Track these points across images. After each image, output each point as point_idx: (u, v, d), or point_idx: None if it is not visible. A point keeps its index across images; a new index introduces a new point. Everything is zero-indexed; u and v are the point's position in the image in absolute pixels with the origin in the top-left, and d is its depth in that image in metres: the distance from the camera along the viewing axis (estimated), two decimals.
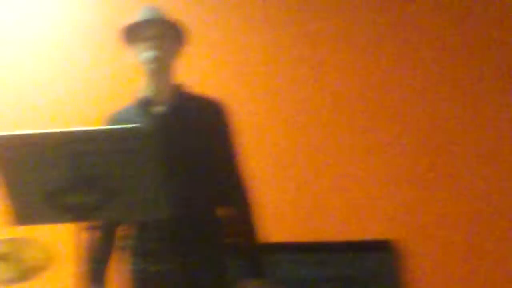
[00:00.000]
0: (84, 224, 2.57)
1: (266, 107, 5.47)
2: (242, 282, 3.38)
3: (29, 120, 5.49)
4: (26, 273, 4.14)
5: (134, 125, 2.60)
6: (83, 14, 5.78)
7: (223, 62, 5.53)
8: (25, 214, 2.63)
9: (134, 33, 3.51)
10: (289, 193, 5.30)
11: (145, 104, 3.51)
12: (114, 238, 3.57)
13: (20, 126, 5.12)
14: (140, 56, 3.47)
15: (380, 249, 5.04)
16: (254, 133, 5.20)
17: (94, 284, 3.44)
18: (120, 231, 3.58)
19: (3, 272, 4.04)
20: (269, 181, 5.24)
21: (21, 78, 5.69)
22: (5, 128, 2.78)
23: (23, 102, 5.62)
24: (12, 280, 4.08)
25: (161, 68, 3.44)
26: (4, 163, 2.50)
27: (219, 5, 5.64)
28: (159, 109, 3.45)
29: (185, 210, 3.29)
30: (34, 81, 5.67)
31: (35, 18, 5.79)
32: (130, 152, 2.48)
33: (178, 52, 3.60)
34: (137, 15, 3.54)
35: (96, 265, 3.48)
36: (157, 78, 3.44)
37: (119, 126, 2.64)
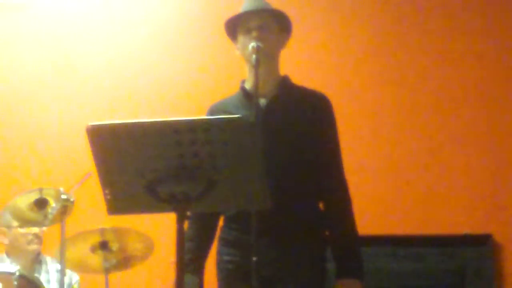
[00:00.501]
0: (184, 214, 2.55)
1: (365, 105, 5.44)
2: (338, 282, 3.33)
3: (138, 111, 5.56)
4: (126, 262, 4.20)
5: (237, 115, 2.57)
6: (189, 7, 5.81)
7: (323, 57, 5.52)
8: (124, 203, 2.63)
9: (238, 24, 3.49)
10: (387, 186, 5.25)
11: (248, 96, 3.49)
12: (213, 229, 3.57)
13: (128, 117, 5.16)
14: (245, 48, 3.44)
15: (479, 243, 4.97)
16: (350, 127, 5.14)
17: (191, 275, 3.44)
18: (218, 222, 3.57)
19: (104, 261, 4.10)
20: (367, 175, 5.22)
21: (134, 72, 5.77)
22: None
23: (135, 94, 5.69)
24: (112, 269, 4.13)
25: (265, 59, 3.39)
26: (105, 153, 2.51)
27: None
28: (262, 100, 3.42)
29: (285, 202, 3.25)
30: (143, 74, 5.74)
31: (144, 13, 5.86)
32: (232, 143, 2.45)
33: (282, 44, 3.55)
34: (242, 6, 3.51)
35: (194, 256, 3.49)
36: (261, 70, 3.39)
37: (223, 116, 2.64)
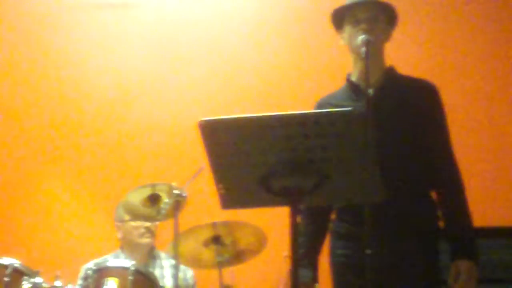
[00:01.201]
0: (297, 208, 2.54)
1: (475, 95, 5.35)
2: (454, 263, 3.29)
3: (248, 106, 5.58)
4: (239, 256, 4.22)
5: (347, 108, 2.56)
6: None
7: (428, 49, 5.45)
8: (237, 198, 2.64)
9: (346, 15, 3.46)
10: (500, 177, 5.16)
11: (355, 88, 3.47)
12: (325, 222, 3.57)
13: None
14: (352, 39, 3.41)
15: None
16: (460, 117, 5.04)
17: (305, 269, 3.44)
18: (330, 215, 3.56)
19: (217, 255, 4.12)
20: (478, 166, 5.12)
21: (244, 68, 5.81)
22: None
23: (246, 90, 5.73)
24: (225, 263, 4.16)
25: (373, 51, 3.36)
26: (217, 147, 2.52)
27: None
28: (369, 91, 3.39)
29: (398, 193, 3.22)
30: (252, 69, 5.77)
31: (248, 8, 5.89)
32: (344, 135, 2.43)
33: (388, 35, 3.53)
34: None
35: (307, 250, 3.49)
36: (369, 62, 3.36)
37: (333, 110, 2.62)
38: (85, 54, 5.89)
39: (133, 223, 4.76)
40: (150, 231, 4.80)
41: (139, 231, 4.79)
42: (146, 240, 4.82)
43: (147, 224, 4.76)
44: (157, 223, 4.71)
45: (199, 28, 5.91)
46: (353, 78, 3.51)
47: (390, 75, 3.53)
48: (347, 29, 3.46)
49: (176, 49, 5.88)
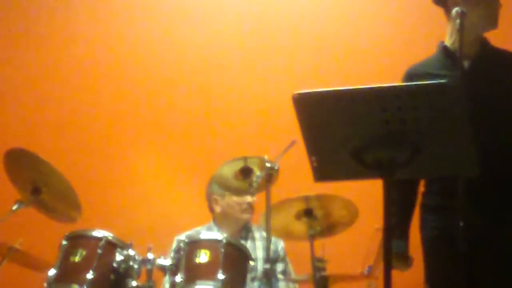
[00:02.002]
0: (390, 180, 2.55)
1: None
2: None
3: (336, 79, 5.58)
4: (330, 229, 4.22)
5: (442, 81, 2.54)
6: None
7: None
8: (329, 170, 2.66)
9: None
10: None
11: (450, 55, 3.47)
12: (415, 193, 3.60)
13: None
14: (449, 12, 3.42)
15: None
16: None
17: (397, 240, 3.45)
18: (419, 186, 3.57)
19: (309, 228, 4.14)
20: None
21: (335, 39, 5.80)
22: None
23: (335, 61, 5.73)
24: (317, 235, 4.17)
25: (468, 22, 3.32)
26: (311, 120, 2.54)
27: None
28: (465, 62, 3.36)
29: (492, 166, 3.18)
30: (343, 42, 5.76)
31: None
32: (439, 108, 2.42)
33: (484, 6, 3.47)
34: None
35: (399, 221, 3.50)
36: (464, 32, 3.32)
37: (428, 82, 2.62)
38: (169, 30, 5.98)
39: (235, 198, 4.83)
40: (251, 207, 4.87)
41: (241, 207, 4.87)
42: (247, 215, 4.89)
43: (249, 199, 4.82)
44: (255, 198, 4.77)
45: (288, 2, 5.92)
46: (449, 45, 3.51)
47: (485, 47, 3.52)
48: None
49: (266, 22, 5.90)
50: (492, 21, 3.46)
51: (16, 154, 4.06)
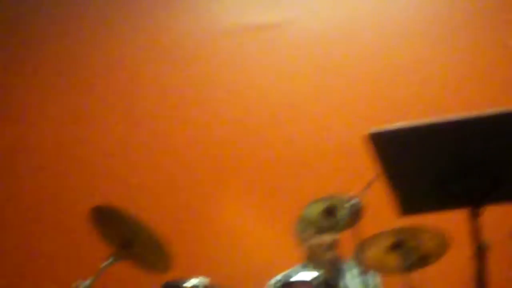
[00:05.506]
0: (477, 210, 2.51)
1: None
2: None
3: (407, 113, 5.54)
4: (423, 260, 4.17)
5: None
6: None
7: None
8: (412, 204, 2.65)
9: None
10: None
11: None
12: None
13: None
14: None
15: None
16: None
17: None
18: None
19: (400, 260, 4.11)
20: None
21: (394, 74, 5.78)
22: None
23: (398, 96, 5.69)
24: (409, 268, 4.13)
25: None
26: (389, 156, 2.53)
27: None
28: None
29: None
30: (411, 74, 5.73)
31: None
32: None
33: None
34: None
35: None
36: None
37: (502, 111, 2.56)
38: (251, 77, 6.08)
39: (315, 241, 4.84)
40: (331, 247, 4.86)
41: (321, 248, 4.86)
42: (329, 255, 4.88)
43: (328, 240, 4.81)
44: (337, 236, 4.76)
45: (350, 39, 5.94)
46: None
47: None
48: None
49: (336, 60, 5.93)
50: None
51: (104, 210, 4.12)
